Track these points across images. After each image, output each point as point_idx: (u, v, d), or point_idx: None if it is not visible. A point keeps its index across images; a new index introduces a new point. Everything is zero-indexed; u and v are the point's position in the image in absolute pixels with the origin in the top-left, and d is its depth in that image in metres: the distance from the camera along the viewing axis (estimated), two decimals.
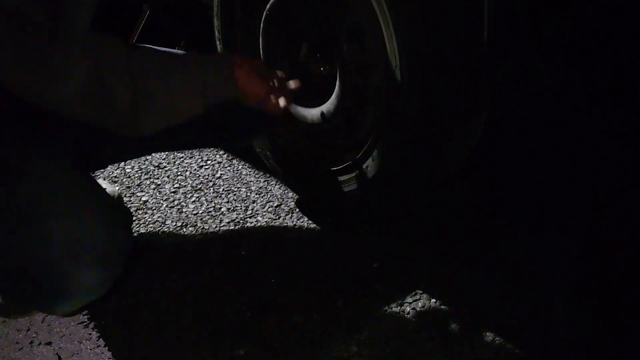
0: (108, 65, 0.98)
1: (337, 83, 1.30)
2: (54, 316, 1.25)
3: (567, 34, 0.98)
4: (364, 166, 1.32)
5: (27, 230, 0.90)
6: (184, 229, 1.53)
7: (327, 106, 1.34)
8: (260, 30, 1.42)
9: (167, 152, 1.84)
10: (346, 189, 1.38)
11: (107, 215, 0.98)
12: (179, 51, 1.14)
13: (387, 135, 1.23)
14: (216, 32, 1.55)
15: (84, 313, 1.26)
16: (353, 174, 1.35)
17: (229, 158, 1.82)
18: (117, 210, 1.01)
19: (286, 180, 1.58)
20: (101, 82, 0.97)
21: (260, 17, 1.40)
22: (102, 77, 0.97)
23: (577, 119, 1.52)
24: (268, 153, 1.55)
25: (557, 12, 0.95)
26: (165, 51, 1.09)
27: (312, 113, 1.39)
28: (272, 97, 1.13)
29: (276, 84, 1.15)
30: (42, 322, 1.24)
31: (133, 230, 1.52)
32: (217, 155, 1.84)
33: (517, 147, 1.72)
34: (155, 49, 1.09)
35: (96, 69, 0.96)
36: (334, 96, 1.32)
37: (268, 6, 1.37)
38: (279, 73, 1.19)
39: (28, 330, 1.22)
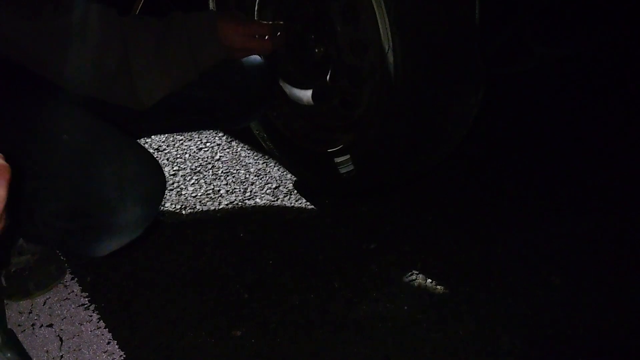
0: (102, 36, 1.05)
1: (332, 64, 1.30)
2: (55, 299, 1.27)
3: (558, 8, 0.97)
4: (360, 147, 1.32)
5: (79, 172, 0.97)
6: (183, 211, 1.54)
7: (323, 87, 1.34)
8: (255, 12, 1.41)
9: (166, 135, 1.85)
10: (343, 170, 1.38)
11: (148, 156, 1.05)
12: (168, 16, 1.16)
13: (383, 116, 1.23)
14: None
15: (85, 295, 1.28)
16: (349, 155, 1.35)
17: (228, 140, 1.83)
18: (152, 156, 1.08)
19: (283, 162, 1.58)
20: (97, 54, 1.05)
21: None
22: (97, 48, 1.04)
23: (573, 102, 1.50)
24: (265, 135, 1.55)
25: None
26: (152, 19, 1.13)
27: (308, 94, 1.39)
28: (258, 39, 1.20)
29: (260, 29, 1.21)
30: (43, 305, 1.26)
31: None
32: (217, 138, 1.84)
33: (513, 127, 1.71)
34: (143, 17, 1.12)
35: (93, 38, 1.04)
36: (329, 77, 1.32)
37: None
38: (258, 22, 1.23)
39: (30, 312, 1.25)
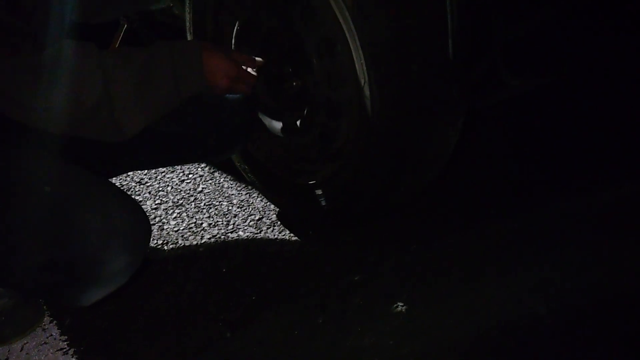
0: (80, 69, 1.03)
1: (310, 97, 1.29)
2: (33, 344, 1.24)
3: (530, 41, 0.97)
4: (341, 178, 1.31)
5: (62, 225, 0.97)
6: (165, 247, 1.52)
7: (301, 119, 1.33)
8: (232, 45, 1.40)
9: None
10: (324, 202, 1.37)
11: (132, 205, 1.05)
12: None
13: (362, 148, 1.22)
14: None
15: (64, 339, 1.25)
16: (330, 187, 1.34)
17: (211, 171, 1.81)
18: (137, 203, 1.09)
19: (266, 193, 1.57)
20: (75, 88, 1.02)
21: (231, 32, 1.38)
22: (75, 83, 1.02)
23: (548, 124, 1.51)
24: (246, 167, 1.54)
25: (516, 22, 0.94)
26: (134, 49, 1.12)
27: (287, 126, 1.38)
28: (240, 80, 1.19)
29: (243, 66, 1.20)
30: (20, 350, 1.23)
31: None
32: (199, 169, 1.83)
33: (495, 156, 1.70)
34: (124, 48, 1.12)
35: (71, 74, 1.02)
36: (307, 110, 1.31)
37: (239, 22, 1.36)
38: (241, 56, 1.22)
39: (6, 359, 1.22)
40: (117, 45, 2.12)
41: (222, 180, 1.77)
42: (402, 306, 1.28)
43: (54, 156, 1.04)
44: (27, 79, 1.01)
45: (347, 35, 1.12)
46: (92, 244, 0.96)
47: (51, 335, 1.26)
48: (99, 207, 0.99)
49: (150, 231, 1.09)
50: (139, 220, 1.03)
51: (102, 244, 0.96)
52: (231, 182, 1.75)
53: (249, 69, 1.22)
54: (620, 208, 1.46)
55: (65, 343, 1.24)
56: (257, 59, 1.24)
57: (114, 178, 1.78)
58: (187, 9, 1.48)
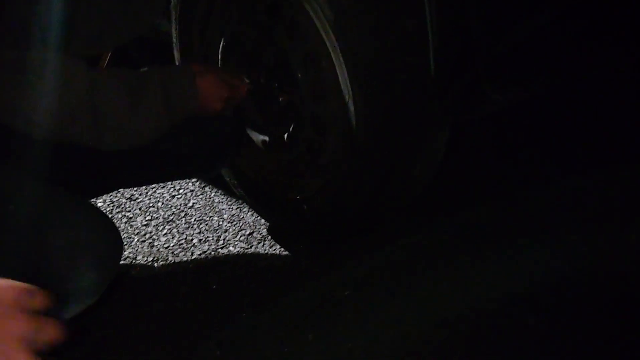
0: (69, 86, 1.03)
1: (296, 112, 1.29)
2: None
3: (513, 55, 0.97)
4: (329, 192, 1.31)
5: (27, 243, 0.94)
6: (155, 264, 1.51)
7: (288, 134, 1.33)
8: (219, 61, 1.40)
9: None
10: (312, 217, 1.36)
11: (101, 219, 1.03)
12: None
13: (349, 163, 1.22)
14: (176, 63, 1.54)
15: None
16: (317, 202, 1.34)
17: (202, 186, 1.81)
18: (108, 218, 1.07)
19: (255, 208, 1.56)
20: (59, 89, 1.03)
21: (217, 48, 1.38)
22: (60, 84, 1.03)
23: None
24: (235, 182, 1.54)
25: (499, 36, 0.94)
26: (125, 71, 1.12)
27: (274, 141, 1.38)
28: (231, 101, 1.22)
29: (234, 85, 1.23)
30: None
31: None
32: (190, 184, 1.82)
33: (484, 166, 1.70)
34: (115, 69, 1.12)
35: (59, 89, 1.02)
36: (293, 125, 1.31)
37: (224, 38, 1.36)
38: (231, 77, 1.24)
39: None
40: (106, 59, 2.13)
41: (212, 195, 1.76)
42: (393, 321, 1.27)
43: (20, 172, 1.03)
44: (8, 77, 1.01)
45: (331, 50, 1.11)
46: (57, 262, 0.94)
47: None
48: (65, 224, 0.97)
49: (122, 247, 1.07)
50: (108, 237, 1.01)
51: (68, 261, 0.95)
52: (222, 197, 1.75)
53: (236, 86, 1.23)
54: (609, 195, 1.48)
55: None
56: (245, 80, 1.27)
57: (105, 196, 1.79)
58: (174, 26, 1.48)
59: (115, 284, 1.09)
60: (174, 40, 1.50)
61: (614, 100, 1.68)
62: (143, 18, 1.33)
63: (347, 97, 1.12)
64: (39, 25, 1.06)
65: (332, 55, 1.11)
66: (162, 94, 1.12)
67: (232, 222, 1.63)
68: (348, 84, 1.10)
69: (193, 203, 1.74)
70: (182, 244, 1.58)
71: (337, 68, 1.12)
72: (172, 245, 1.57)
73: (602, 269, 1.28)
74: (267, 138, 1.41)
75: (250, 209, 1.65)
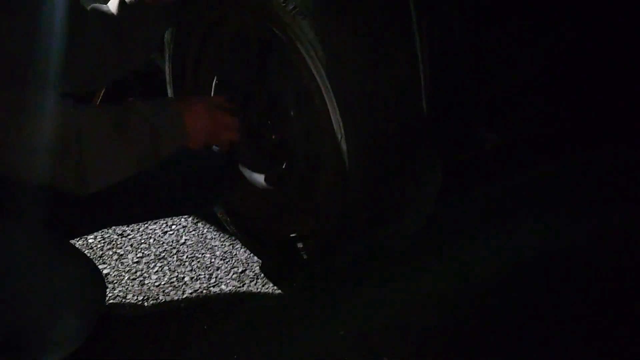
0: (53, 113, 1.01)
1: (289, 150, 1.28)
2: None
3: (506, 96, 0.97)
4: (321, 232, 1.29)
5: (5, 291, 0.91)
6: (145, 303, 1.48)
7: (281, 172, 1.32)
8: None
9: None
10: (305, 256, 1.34)
11: (84, 265, 1.02)
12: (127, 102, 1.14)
13: (341, 202, 1.20)
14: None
15: None
16: (311, 240, 1.32)
17: (194, 222, 1.79)
18: (91, 263, 1.05)
19: (248, 245, 1.54)
20: (44, 130, 1.00)
21: (210, 86, 1.38)
22: (45, 125, 1.00)
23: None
24: (228, 219, 1.52)
25: (492, 78, 0.94)
26: (111, 107, 1.10)
27: (267, 179, 1.36)
28: (222, 135, 1.18)
29: (224, 118, 1.18)
30: None
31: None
32: (182, 220, 1.80)
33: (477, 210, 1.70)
34: (102, 105, 1.11)
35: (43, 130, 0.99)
36: (286, 163, 1.30)
37: (217, 75, 1.36)
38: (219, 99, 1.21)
39: None
40: (100, 94, 2.13)
41: (205, 231, 1.74)
42: None
43: (4, 213, 1.00)
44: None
45: (323, 90, 1.11)
46: (36, 309, 0.92)
47: None
48: (44, 269, 0.95)
49: (105, 292, 1.05)
50: (90, 280, 0.99)
51: (48, 310, 0.92)
52: (214, 233, 1.72)
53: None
54: (600, 178, 1.54)
55: None
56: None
57: (96, 232, 1.76)
58: (167, 62, 1.48)
59: (100, 328, 1.06)
60: (167, 77, 1.50)
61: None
62: (137, 56, 1.33)
63: (339, 136, 1.11)
64: (34, 65, 1.05)
65: (325, 94, 1.11)
66: (147, 129, 1.08)
67: (224, 260, 1.61)
68: (340, 123, 1.09)
69: (185, 240, 1.71)
70: (173, 282, 1.55)
71: (329, 107, 1.11)
72: (163, 283, 1.55)
73: (591, 248, 1.35)
74: (260, 176, 1.40)
75: (243, 247, 1.63)
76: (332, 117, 1.11)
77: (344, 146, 1.10)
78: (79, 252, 1.10)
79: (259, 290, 1.49)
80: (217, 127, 1.17)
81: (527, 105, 1.00)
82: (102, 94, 2.13)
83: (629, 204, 1.43)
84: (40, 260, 0.96)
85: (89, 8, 1.27)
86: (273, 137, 1.31)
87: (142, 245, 1.71)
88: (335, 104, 1.08)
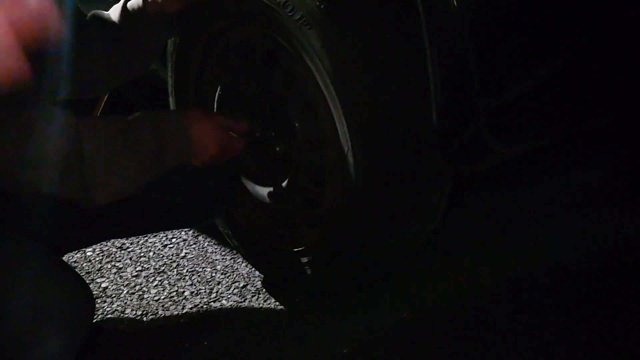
0: (55, 139, 0.98)
1: (293, 162, 1.26)
2: None
3: (517, 107, 0.95)
4: (326, 245, 1.26)
5: None
6: (144, 318, 1.45)
7: (284, 185, 1.29)
8: (215, 109, 1.38)
9: None
10: (308, 271, 1.31)
11: (71, 280, 0.98)
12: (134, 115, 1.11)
13: (346, 215, 1.18)
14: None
15: None
16: (315, 255, 1.29)
17: (195, 235, 1.76)
18: (79, 279, 1.02)
19: (250, 260, 1.51)
20: (49, 156, 0.98)
21: (213, 97, 1.36)
22: (50, 151, 0.98)
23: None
24: (230, 232, 1.49)
25: (502, 88, 0.92)
26: (115, 118, 1.07)
27: (270, 192, 1.34)
28: (226, 149, 1.16)
29: (229, 133, 1.17)
30: None
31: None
32: (183, 233, 1.77)
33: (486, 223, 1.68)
34: (105, 117, 1.08)
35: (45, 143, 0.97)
36: (290, 175, 1.28)
37: (221, 86, 1.34)
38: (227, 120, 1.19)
39: None
40: (101, 104, 2.11)
41: (206, 244, 1.71)
42: None
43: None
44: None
45: (329, 101, 1.09)
46: (18, 326, 0.88)
47: None
48: (28, 285, 0.91)
49: (93, 309, 1.01)
50: (77, 298, 0.95)
51: (30, 326, 0.88)
52: (215, 247, 1.69)
53: (235, 135, 1.19)
54: (606, 189, 1.53)
55: None
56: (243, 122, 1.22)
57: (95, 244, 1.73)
58: (170, 73, 1.46)
59: (89, 345, 1.03)
60: (170, 87, 1.48)
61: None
62: (137, 64, 1.31)
63: (346, 148, 1.09)
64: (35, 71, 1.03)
65: (331, 105, 1.09)
66: (153, 142, 1.06)
67: (225, 274, 1.58)
68: (347, 135, 1.07)
69: (185, 253, 1.68)
70: (173, 296, 1.52)
71: (335, 119, 1.09)
72: (162, 297, 1.51)
73: (597, 259, 1.33)
74: (263, 188, 1.37)
75: (245, 261, 1.60)
76: (338, 128, 1.09)
77: (350, 158, 1.08)
78: (66, 267, 1.07)
79: (260, 305, 1.46)
80: (223, 147, 1.15)
81: (538, 117, 0.97)
82: (102, 105, 2.11)
83: (632, 215, 1.42)
84: (24, 273, 0.92)
85: (89, 15, 1.25)
86: (277, 149, 1.28)
87: (142, 259, 1.68)
88: (342, 114, 1.06)
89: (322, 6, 1.04)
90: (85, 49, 1.18)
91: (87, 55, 1.19)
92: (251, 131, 1.28)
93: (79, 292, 0.97)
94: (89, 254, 1.71)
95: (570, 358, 1.14)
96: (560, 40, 0.86)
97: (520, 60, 0.89)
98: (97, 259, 1.69)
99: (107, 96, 2.09)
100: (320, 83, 1.09)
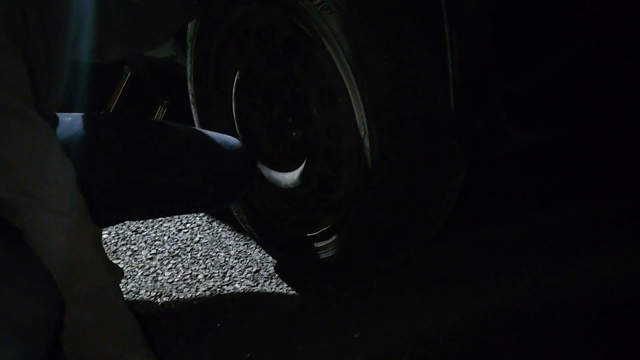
0: None
1: (310, 147, 1.27)
2: None
3: (535, 93, 0.95)
4: (340, 231, 1.27)
5: None
6: (158, 299, 1.47)
7: (301, 170, 1.30)
8: (233, 94, 1.39)
9: None
10: (323, 256, 1.32)
11: (31, 280, 0.88)
12: None
13: (362, 201, 1.19)
14: (190, 97, 1.53)
15: None
16: (329, 241, 1.30)
17: (209, 220, 1.78)
18: (44, 281, 0.90)
19: (264, 245, 1.53)
20: None
21: (232, 81, 1.37)
22: None
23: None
24: (244, 217, 1.51)
25: (521, 73, 0.92)
26: None
27: (286, 177, 1.35)
28: None
29: None
30: None
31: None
32: (197, 218, 1.79)
33: (500, 210, 1.67)
34: None
35: None
36: (307, 160, 1.29)
37: (239, 71, 1.35)
38: None
39: None
40: (119, 93, 2.13)
41: (220, 230, 1.73)
42: None
43: None
44: None
45: (348, 86, 1.10)
46: None
47: None
48: None
49: (57, 314, 0.90)
50: (39, 302, 0.86)
51: None
52: (229, 232, 1.71)
53: None
54: (616, 220, 1.49)
55: None
56: None
57: (110, 227, 1.75)
58: (189, 58, 1.48)
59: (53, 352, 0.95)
60: (189, 73, 1.50)
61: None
62: (150, 38, 1.33)
63: (362, 133, 1.10)
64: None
65: (349, 90, 1.10)
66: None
67: (238, 259, 1.59)
68: (364, 120, 1.08)
69: (200, 238, 1.70)
70: (186, 279, 1.53)
71: (353, 104, 1.10)
72: (176, 280, 1.53)
73: (590, 293, 1.30)
74: (279, 173, 1.38)
75: (258, 246, 1.61)
76: (355, 113, 1.10)
77: (367, 143, 1.09)
78: (35, 264, 0.93)
79: (273, 290, 1.47)
80: None
81: (557, 104, 0.98)
82: (120, 92, 2.13)
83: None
84: None
85: None
86: (294, 133, 1.30)
87: (156, 242, 1.70)
88: (359, 99, 1.07)
89: None
90: (103, 8, 1.18)
91: (103, 16, 1.19)
92: (267, 115, 1.29)
93: (42, 294, 0.88)
94: (104, 236, 1.73)
95: None
96: (582, 24, 0.86)
97: (541, 45, 0.89)
98: (113, 241, 1.71)
99: (124, 84, 2.11)
100: (339, 68, 1.10)
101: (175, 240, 1.70)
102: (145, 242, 1.70)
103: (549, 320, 1.23)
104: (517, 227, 1.50)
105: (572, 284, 1.31)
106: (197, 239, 1.70)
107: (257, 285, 1.49)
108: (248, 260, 1.58)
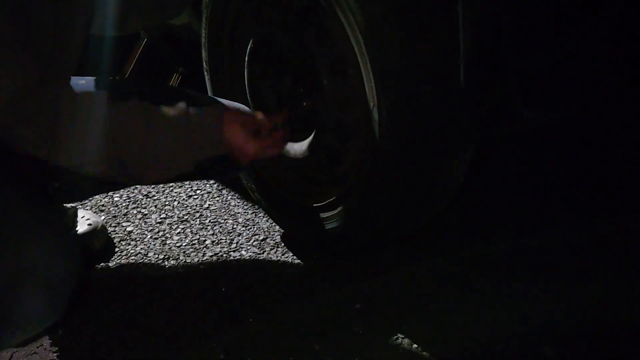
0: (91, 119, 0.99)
1: (319, 117, 1.27)
2: (22, 353, 1.22)
3: (548, 71, 0.94)
4: (346, 203, 1.28)
5: None
6: (166, 262, 1.50)
7: (309, 141, 1.31)
8: (246, 62, 1.40)
9: None
10: (328, 227, 1.34)
11: (56, 236, 0.94)
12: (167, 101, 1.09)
13: (368, 173, 1.20)
14: (204, 64, 1.54)
15: (54, 350, 1.23)
16: (335, 211, 1.31)
17: (219, 188, 1.80)
18: (63, 236, 0.96)
19: (271, 214, 1.55)
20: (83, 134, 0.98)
21: (245, 50, 1.38)
22: (84, 129, 0.98)
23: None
24: (253, 186, 1.52)
25: (533, 50, 0.91)
26: (151, 107, 1.04)
27: (295, 147, 1.36)
28: (262, 150, 1.16)
29: (266, 135, 1.15)
30: (9, 359, 1.21)
31: (113, 261, 1.50)
32: (207, 185, 1.81)
33: (506, 185, 1.66)
34: (141, 104, 1.03)
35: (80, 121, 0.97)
36: (316, 131, 1.29)
37: (252, 40, 1.35)
38: (266, 118, 1.17)
39: None
40: (135, 59, 2.14)
41: (229, 197, 1.75)
42: (402, 338, 1.23)
43: None
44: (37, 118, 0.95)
45: (359, 57, 1.10)
46: None
47: (42, 345, 1.24)
48: (7, 241, 0.86)
49: (78, 269, 0.95)
50: (62, 256, 0.91)
51: (7, 286, 0.85)
52: (238, 200, 1.73)
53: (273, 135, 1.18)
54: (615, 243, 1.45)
55: (55, 354, 1.22)
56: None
57: (122, 191, 1.78)
58: (204, 25, 1.48)
59: (77, 300, 1.01)
60: (203, 39, 1.50)
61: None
62: (170, 8, 1.33)
63: (372, 104, 1.10)
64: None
65: (360, 62, 1.10)
66: (188, 141, 1.06)
67: (246, 227, 1.62)
68: (374, 92, 1.08)
69: (209, 204, 1.72)
70: (194, 244, 1.56)
71: (364, 75, 1.10)
72: (184, 244, 1.56)
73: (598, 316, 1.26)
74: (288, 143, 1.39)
75: (266, 215, 1.63)
76: (365, 85, 1.10)
77: (375, 115, 1.09)
78: (56, 223, 1.00)
79: (278, 258, 1.49)
80: (261, 150, 1.16)
81: (568, 83, 0.97)
82: (136, 58, 2.14)
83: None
84: (5, 227, 0.88)
85: None
86: (304, 104, 1.30)
87: (166, 207, 1.72)
88: (370, 71, 1.07)
89: None
90: None
91: None
92: (278, 86, 1.29)
93: (64, 248, 0.93)
94: (116, 199, 1.76)
95: None
96: (597, 2, 0.85)
97: (555, 23, 0.89)
98: (124, 204, 1.74)
99: (140, 50, 2.11)
100: (351, 39, 1.10)
101: (185, 206, 1.72)
102: (155, 206, 1.73)
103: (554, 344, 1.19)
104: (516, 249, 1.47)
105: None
106: (206, 205, 1.72)
107: (263, 253, 1.52)
108: (255, 229, 1.60)
